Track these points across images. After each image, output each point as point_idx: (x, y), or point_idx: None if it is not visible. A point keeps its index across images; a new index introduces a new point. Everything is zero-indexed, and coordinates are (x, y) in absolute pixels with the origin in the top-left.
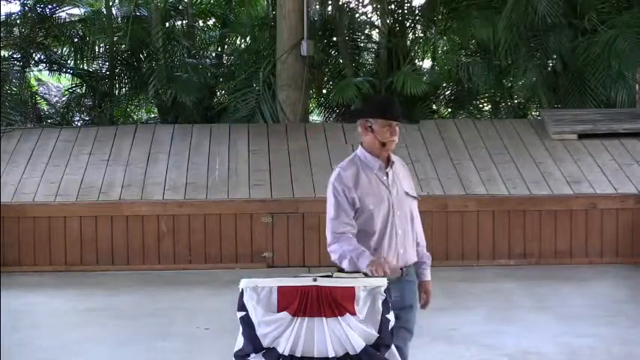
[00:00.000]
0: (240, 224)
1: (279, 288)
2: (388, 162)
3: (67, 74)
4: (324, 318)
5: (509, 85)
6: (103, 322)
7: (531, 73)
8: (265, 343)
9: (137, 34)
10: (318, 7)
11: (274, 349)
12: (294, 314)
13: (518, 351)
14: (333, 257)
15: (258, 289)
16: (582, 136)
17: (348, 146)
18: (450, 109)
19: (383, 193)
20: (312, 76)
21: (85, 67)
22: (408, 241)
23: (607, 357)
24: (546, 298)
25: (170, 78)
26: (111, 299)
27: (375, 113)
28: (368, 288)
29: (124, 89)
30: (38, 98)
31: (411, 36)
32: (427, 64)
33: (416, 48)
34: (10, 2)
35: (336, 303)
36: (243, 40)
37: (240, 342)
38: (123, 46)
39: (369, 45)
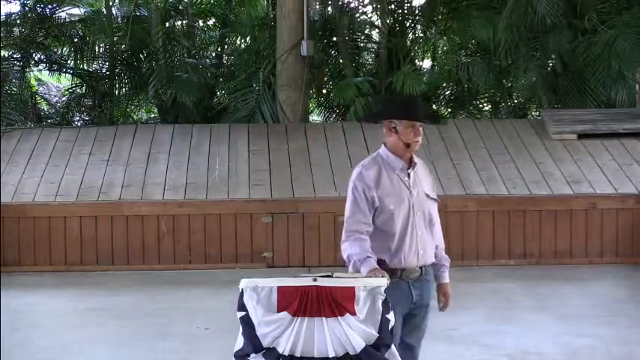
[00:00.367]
0: (240, 224)
1: (279, 288)
2: (410, 163)
3: (67, 74)
4: (324, 318)
5: (509, 85)
6: (103, 322)
7: (531, 73)
8: (265, 343)
9: (137, 34)
10: (318, 7)
11: (274, 349)
12: (294, 314)
13: (518, 351)
14: (343, 256)
15: (258, 289)
16: (582, 136)
17: (353, 146)
18: (449, 109)
19: (404, 193)
20: (312, 76)
21: (85, 67)
22: (427, 242)
23: (607, 357)
24: (546, 298)
25: (170, 78)
26: (111, 299)
27: (399, 114)
28: (368, 288)
29: (124, 89)
30: (38, 98)
31: (411, 36)
32: (427, 64)
33: (416, 48)
34: (10, 2)
35: (336, 303)
36: (243, 40)
37: (240, 342)
38: (123, 46)
39: (369, 45)
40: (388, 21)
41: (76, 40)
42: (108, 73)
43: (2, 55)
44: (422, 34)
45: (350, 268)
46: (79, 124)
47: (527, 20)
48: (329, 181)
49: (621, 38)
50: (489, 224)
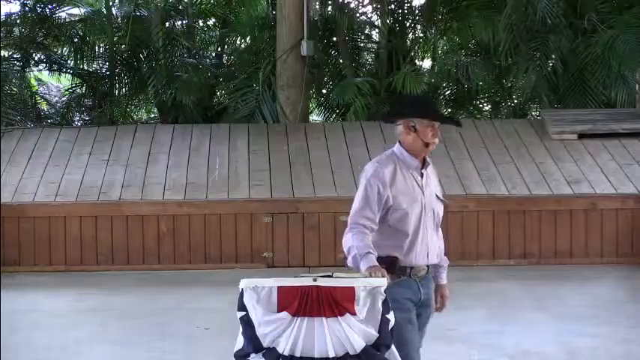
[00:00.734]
0: (240, 224)
1: (279, 288)
2: (424, 163)
3: (67, 74)
4: (324, 318)
5: (509, 85)
6: (103, 322)
7: (531, 73)
8: (265, 343)
9: (137, 34)
10: (318, 7)
11: (274, 349)
12: (294, 314)
13: (518, 351)
14: (343, 247)
15: (258, 289)
16: (582, 136)
17: (353, 146)
18: (449, 109)
19: (417, 193)
20: (312, 76)
21: (85, 67)
22: (435, 242)
23: (607, 357)
24: (546, 298)
25: (170, 78)
26: (111, 299)
27: (419, 113)
28: (368, 288)
29: (124, 89)
30: (38, 98)
31: (411, 36)
32: (427, 64)
33: (416, 48)
34: (10, 2)
35: (336, 303)
36: (243, 40)
37: (240, 342)
38: (123, 46)
39: (369, 45)
40: (388, 21)
41: (76, 40)
42: (108, 73)
43: (2, 55)
44: (422, 34)
45: (349, 260)
46: (79, 124)
47: (527, 20)
48: (329, 181)
49: (621, 38)
50: (489, 224)
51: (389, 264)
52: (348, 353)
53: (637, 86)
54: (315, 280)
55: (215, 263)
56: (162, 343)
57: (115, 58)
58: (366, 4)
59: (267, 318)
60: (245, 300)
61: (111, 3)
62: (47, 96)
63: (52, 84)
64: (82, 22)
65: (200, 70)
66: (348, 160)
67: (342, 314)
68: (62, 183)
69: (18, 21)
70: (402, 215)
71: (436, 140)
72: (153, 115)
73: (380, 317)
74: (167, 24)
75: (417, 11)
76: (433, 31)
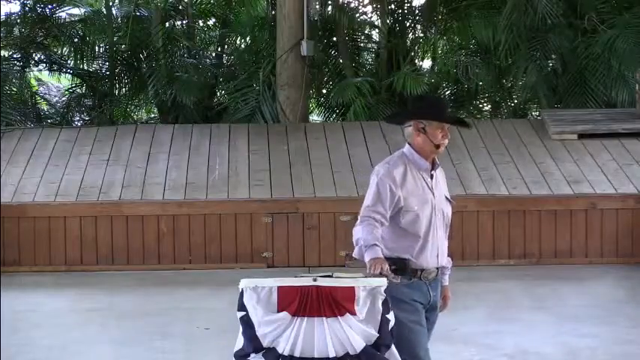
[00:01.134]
0: (240, 224)
1: (279, 288)
2: (433, 164)
3: (67, 74)
4: (324, 318)
5: (509, 85)
6: (103, 322)
7: (531, 73)
8: (265, 343)
9: (137, 34)
10: (318, 7)
11: (274, 349)
12: (294, 314)
13: (518, 351)
14: (353, 239)
15: (258, 289)
16: (582, 136)
17: (353, 146)
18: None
19: (427, 194)
20: (312, 76)
21: (85, 67)
22: (444, 244)
23: (607, 357)
24: (546, 298)
25: (170, 78)
26: (111, 299)
27: (429, 115)
28: (368, 288)
29: (124, 89)
30: (38, 98)
31: (411, 36)
32: (427, 64)
33: (416, 48)
34: (10, 2)
35: (336, 303)
36: (243, 40)
37: (240, 342)
38: (123, 46)
39: (369, 45)
40: (388, 21)
41: (76, 40)
42: (108, 73)
43: (2, 55)
44: (422, 34)
45: (355, 251)
46: (79, 124)
47: (528, 20)
48: (329, 181)
49: (621, 38)
50: (489, 224)
51: (400, 266)
52: (348, 353)
53: (637, 86)
54: (315, 280)
55: (215, 263)
56: (162, 342)
57: (115, 58)
58: (366, 4)
59: (267, 318)
60: (245, 300)
61: (111, 3)
62: (47, 96)
63: (52, 84)
64: (82, 22)
65: (200, 70)
66: (348, 160)
67: (342, 314)
68: (62, 183)
69: (18, 21)
70: (414, 217)
71: (446, 141)
72: (153, 115)
73: (380, 317)
74: (167, 24)
75: (417, 11)
76: (433, 31)
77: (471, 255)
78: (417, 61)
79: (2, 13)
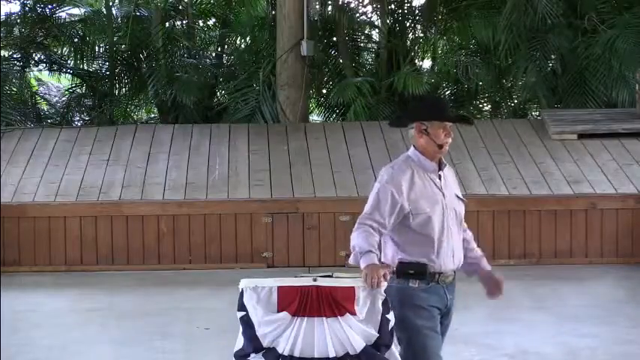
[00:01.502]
0: (240, 224)
1: (279, 288)
2: (440, 164)
3: (67, 74)
4: (324, 318)
5: (509, 85)
6: (103, 322)
7: (531, 73)
8: (265, 343)
9: (137, 34)
10: (318, 7)
11: (274, 349)
12: (294, 314)
13: (518, 351)
14: (350, 245)
15: (258, 289)
16: (582, 136)
17: (353, 146)
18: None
19: (437, 195)
20: (312, 76)
21: (85, 67)
22: (459, 244)
23: (607, 357)
24: (546, 298)
25: (170, 78)
26: (111, 299)
27: (429, 115)
28: (368, 288)
29: (124, 89)
30: (38, 98)
31: (411, 36)
32: (427, 64)
33: (416, 48)
34: (10, 2)
35: (336, 303)
36: (243, 40)
37: (240, 342)
38: (123, 46)
39: (369, 45)
40: (388, 21)
41: (76, 40)
42: (108, 73)
43: (2, 55)
44: (422, 34)
45: (351, 258)
46: (79, 124)
47: (527, 20)
48: (329, 181)
49: (621, 38)
50: (489, 224)
51: (419, 270)
52: (348, 353)
53: (637, 86)
54: (315, 280)
55: (215, 263)
56: (162, 342)
57: (115, 58)
58: (366, 4)
59: (267, 318)
60: (245, 300)
61: (111, 3)
62: (47, 96)
63: (52, 84)
64: (82, 22)
65: (200, 70)
66: (348, 160)
67: (342, 314)
68: (62, 183)
69: (18, 21)
70: (425, 219)
71: (449, 140)
72: (153, 115)
73: (380, 317)
74: (167, 24)
75: (417, 11)
76: (433, 31)
77: None
78: (417, 61)
79: (2, 13)
